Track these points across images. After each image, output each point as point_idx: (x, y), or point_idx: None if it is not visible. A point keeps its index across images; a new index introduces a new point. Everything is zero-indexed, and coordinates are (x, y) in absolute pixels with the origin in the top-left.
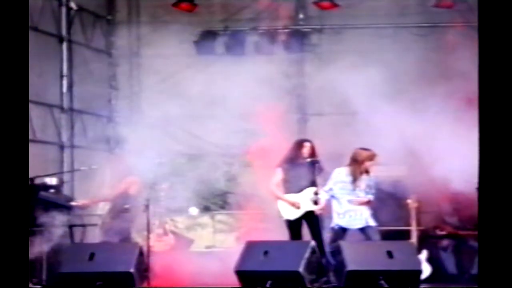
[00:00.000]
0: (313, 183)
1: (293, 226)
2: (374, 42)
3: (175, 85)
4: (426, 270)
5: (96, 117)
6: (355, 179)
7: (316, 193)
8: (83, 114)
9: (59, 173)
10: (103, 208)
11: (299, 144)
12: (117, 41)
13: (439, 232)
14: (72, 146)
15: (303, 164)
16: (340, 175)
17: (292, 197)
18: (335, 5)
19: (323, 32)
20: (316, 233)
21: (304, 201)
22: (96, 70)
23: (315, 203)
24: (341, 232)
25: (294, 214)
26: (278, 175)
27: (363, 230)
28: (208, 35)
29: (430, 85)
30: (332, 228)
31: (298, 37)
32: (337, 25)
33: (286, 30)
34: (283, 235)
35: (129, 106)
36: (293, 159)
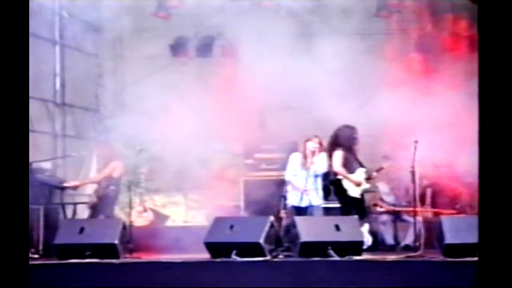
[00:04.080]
0: (361, 164)
1: (359, 202)
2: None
3: (152, 82)
4: (368, 240)
5: (85, 110)
6: (303, 162)
7: (367, 173)
8: (74, 108)
9: (53, 159)
10: (91, 189)
11: (347, 129)
12: (103, 45)
13: (378, 209)
14: (64, 136)
15: (350, 147)
16: (293, 159)
17: (354, 176)
18: None
19: None
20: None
21: (362, 180)
22: (85, 69)
23: (368, 180)
24: (294, 210)
25: (357, 192)
26: (340, 156)
27: (307, 208)
28: (181, 40)
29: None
30: (286, 207)
31: None
32: None
33: None
34: (246, 212)
35: (113, 100)
36: (344, 142)
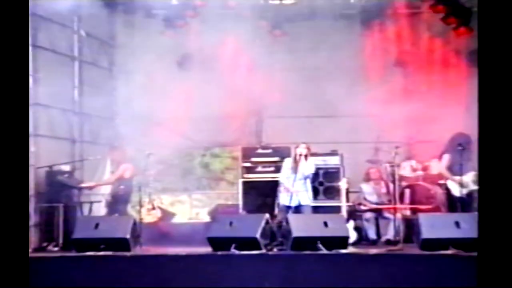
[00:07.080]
0: (474, 168)
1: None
2: None
3: (162, 94)
4: (353, 236)
5: (100, 118)
6: (294, 166)
7: (476, 176)
8: (90, 116)
9: (72, 162)
10: (105, 189)
11: (461, 135)
12: (117, 60)
13: (362, 207)
14: (82, 141)
15: (462, 152)
16: (286, 163)
17: (457, 179)
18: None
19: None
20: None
21: (469, 182)
22: (100, 82)
23: (475, 182)
24: (285, 208)
25: (460, 193)
26: (446, 160)
27: (297, 208)
28: (186, 55)
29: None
30: (278, 206)
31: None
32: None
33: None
34: (244, 210)
35: (126, 110)
36: (456, 147)
